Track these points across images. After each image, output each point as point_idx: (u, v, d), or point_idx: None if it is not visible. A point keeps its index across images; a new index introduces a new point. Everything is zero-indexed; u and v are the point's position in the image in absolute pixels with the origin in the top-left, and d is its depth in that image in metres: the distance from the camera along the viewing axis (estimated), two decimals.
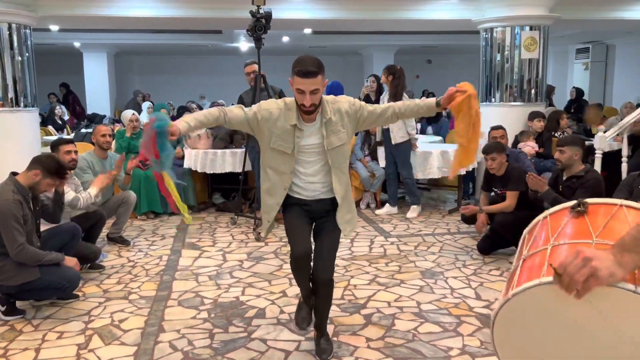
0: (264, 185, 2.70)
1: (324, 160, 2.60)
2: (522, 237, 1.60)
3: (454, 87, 2.53)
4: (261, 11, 5.18)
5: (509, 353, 1.50)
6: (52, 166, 3.36)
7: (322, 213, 2.71)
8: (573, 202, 1.46)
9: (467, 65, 14.63)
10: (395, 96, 5.81)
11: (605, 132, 5.32)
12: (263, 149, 2.64)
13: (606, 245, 1.26)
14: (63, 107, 10.72)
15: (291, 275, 3.90)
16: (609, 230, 1.35)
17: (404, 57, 14.33)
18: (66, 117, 10.84)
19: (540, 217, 1.57)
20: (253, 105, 2.59)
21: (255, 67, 5.77)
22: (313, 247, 2.69)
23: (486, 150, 4.44)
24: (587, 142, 5.78)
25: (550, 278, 1.23)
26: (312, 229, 2.75)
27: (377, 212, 6.14)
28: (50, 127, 9.58)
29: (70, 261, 3.39)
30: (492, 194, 4.66)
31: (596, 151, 5.28)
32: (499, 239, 4.42)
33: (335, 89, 8.16)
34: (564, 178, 4.00)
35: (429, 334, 3.06)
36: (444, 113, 8.97)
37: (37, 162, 3.37)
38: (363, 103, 2.63)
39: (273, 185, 2.64)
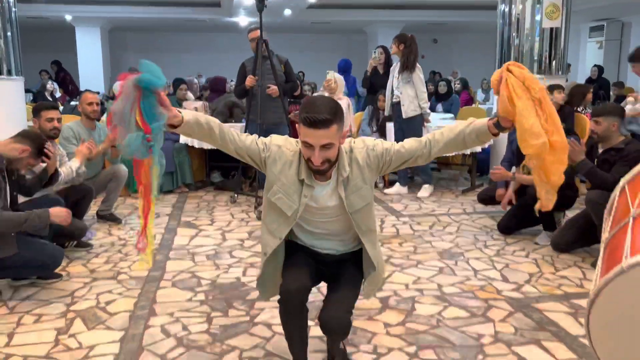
0: (264, 224, 2.08)
1: (346, 221, 2.01)
2: (605, 216, 1.38)
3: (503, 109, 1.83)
4: None
5: (605, 340, 1.17)
6: (41, 148, 3.14)
7: (338, 262, 2.13)
8: None
9: (473, 45, 14.21)
10: (406, 66, 5.42)
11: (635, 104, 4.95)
12: (265, 192, 2.02)
13: None
14: (55, 83, 10.29)
15: None
16: None
17: None
18: (58, 94, 10.43)
19: (617, 190, 1.36)
20: (264, 138, 2.00)
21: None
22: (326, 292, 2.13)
23: None
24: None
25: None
26: (320, 274, 2.15)
27: (386, 191, 5.78)
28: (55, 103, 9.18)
29: (59, 212, 2.93)
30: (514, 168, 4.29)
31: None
32: (527, 215, 4.06)
33: (344, 70, 7.75)
34: (600, 151, 3.62)
35: (455, 319, 2.71)
36: (454, 88, 8.57)
37: (28, 138, 3.11)
38: (386, 144, 1.98)
39: (262, 238, 2.08)
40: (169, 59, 13.99)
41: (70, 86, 12.15)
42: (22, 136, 3.12)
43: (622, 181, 1.33)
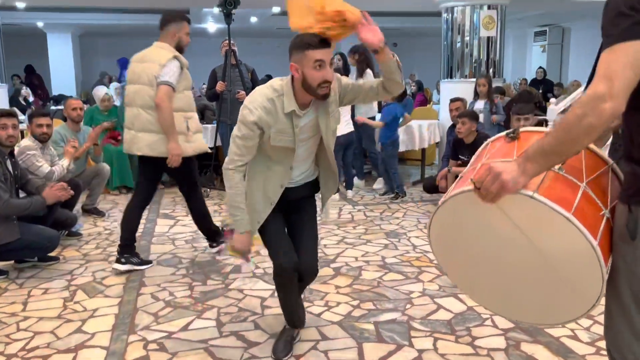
0: (254, 183, 2.31)
1: (317, 144, 2.34)
2: (471, 160, 1.77)
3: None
4: None
5: (441, 251, 1.74)
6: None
7: (297, 200, 2.43)
8: (510, 130, 1.65)
9: (430, 48, 14.97)
10: (360, 74, 6.06)
11: (557, 104, 5.71)
12: (260, 146, 2.24)
13: None
14: (28, 88, 10.58)
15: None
16: None
17: None
18: (31, 99, 10.71)
19: (485, 142, 1.76)
20: (248, 115, 2.15)
21: None
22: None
23: (460, 115, 4.82)
24: (540, 117, 6.21)
25: (470, 186, 1.45)
26: (286, 222, 2.46)
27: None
28: (15, 109, 9.48)
29: (49, 193, 3.51)
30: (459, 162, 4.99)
31: (549, 123, 5.67)
32: None
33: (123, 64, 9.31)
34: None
35: (392, 281, 3.34)
36: (409, 91, 9.28)
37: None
38: (349, 80, 2.31)
39: (269, 182, 2.30)
40: None
41: (39, 90, 12.41)
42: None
43: (490, 139, 1.74)
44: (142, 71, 3.42)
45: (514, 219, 1.46)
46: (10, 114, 3.48)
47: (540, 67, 11.00)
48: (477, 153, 1.76)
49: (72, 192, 3.71)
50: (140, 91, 3.40)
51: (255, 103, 2.15)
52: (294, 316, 2.51)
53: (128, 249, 3.56)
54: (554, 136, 1.28)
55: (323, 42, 2.06)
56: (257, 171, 2.32)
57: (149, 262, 3.69)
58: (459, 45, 6.60)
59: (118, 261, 3.52)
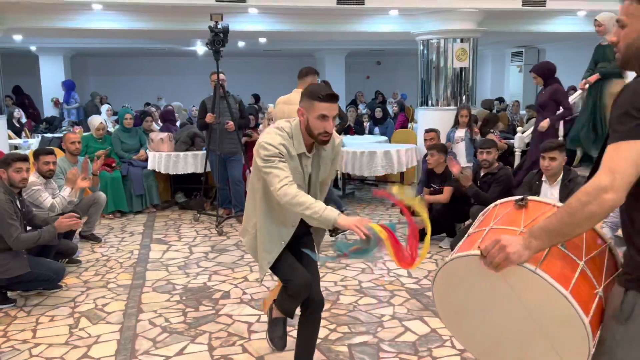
0: (268, 222, 2.45)
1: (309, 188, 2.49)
2: (478, 217, 1.91)
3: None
4: (219, 26, 5.69)
5: (444, 306, 1.87)
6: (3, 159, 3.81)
7: (299, 236, 2.53)
8: (519, 197, 1.72)
9: (413, 66, 15.50)
10: None
11: (523, 132, 6.15)
12: (264, 196, 2.42)
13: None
14: (21, 110, 10.84)
15: (253, 262, 4.48)
16: (536, 223, 1.60)
17: (355, 59, 15.06)
18: (24, 120, 10.97)
19: (494, 203, 1.88)
20: (270, 147, 2.29)
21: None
22: None
23: (430, 147, 5.19)
24: (510, 141, 6.64)
25: (477, 251, 1.59)
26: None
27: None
28: (9, 131, 9.75)
29: (62, 223, 3.77)
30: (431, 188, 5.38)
31: (515, 149, 6.10)
32: (434, 226, 5.12)
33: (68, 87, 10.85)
34: (482, 174, 4.74)
35: (366, 305, 3.72)
36: (390, 112, 9.70)
37: None
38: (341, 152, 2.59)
39: (284, 220, 2.45)
40: (128, 82, 14.65)
41: (30, 109, 12.64)
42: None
43: (499, 200, 1.84)
44: (292, 112, 4.45)
45: (514, 286, 1.56)
46: (25, 159, 3.82)
47: (496, 99, 11.34)
48: (484, 212, 1.86)
49: (81, 221, 4.02)
50: None
51: (274, 141, 2.29)
52: (284, 336, 2.71)
53: None
54: (558, 218, 1.40)
55: (331, 97, 2.28)
56: (269, 213, 2.44)
57: None
58: (434, 74, 7.03)
59: None
